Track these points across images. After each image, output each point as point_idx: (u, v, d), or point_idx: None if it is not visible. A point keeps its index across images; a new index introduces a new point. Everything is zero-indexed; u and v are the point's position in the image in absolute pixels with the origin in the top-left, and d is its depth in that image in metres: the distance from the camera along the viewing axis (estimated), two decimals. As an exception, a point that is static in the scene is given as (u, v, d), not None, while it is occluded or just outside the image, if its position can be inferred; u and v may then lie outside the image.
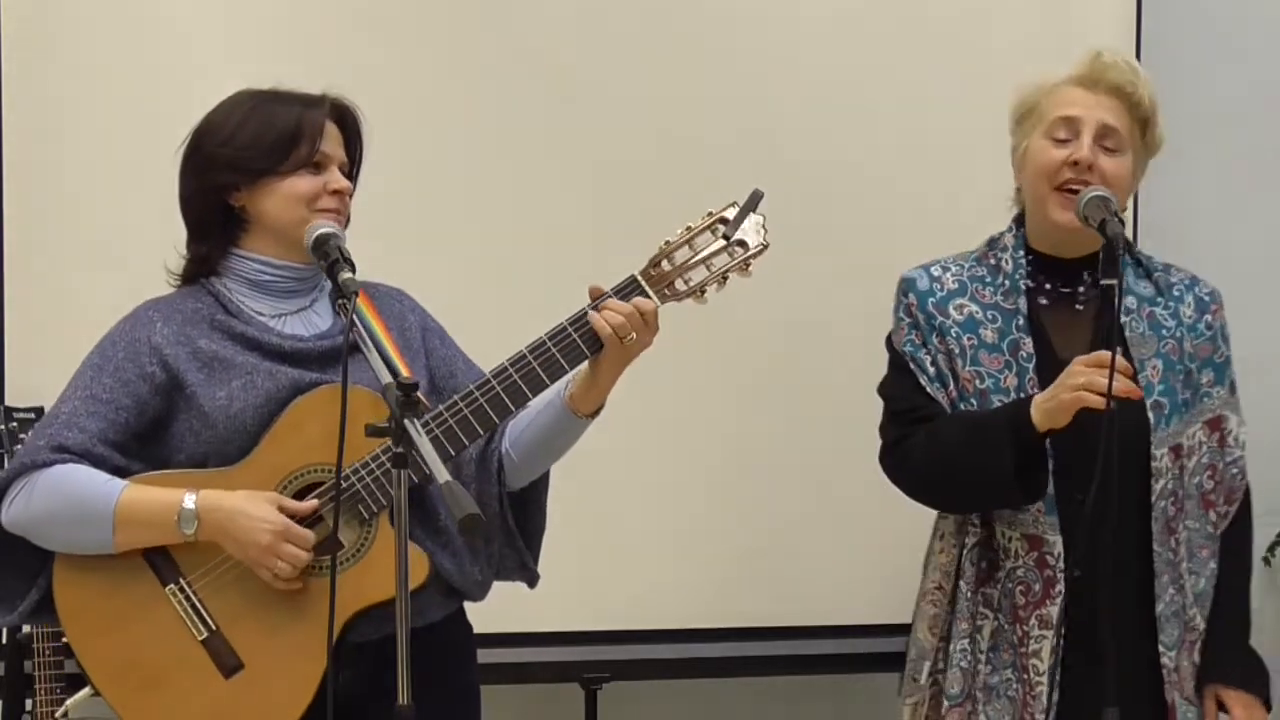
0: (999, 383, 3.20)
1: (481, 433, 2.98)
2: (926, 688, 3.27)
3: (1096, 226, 3.05)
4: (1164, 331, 3.22)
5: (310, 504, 2.93)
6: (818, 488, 4.37)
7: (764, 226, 3.02)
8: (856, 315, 4.40)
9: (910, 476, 3.32)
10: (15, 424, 3.90)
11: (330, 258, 2.93)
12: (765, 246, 3.03)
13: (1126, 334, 3.20)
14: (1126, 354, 3.17)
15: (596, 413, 3.07)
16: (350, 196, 3.10)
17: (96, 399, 2.96)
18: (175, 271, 3.12)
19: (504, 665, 4.20)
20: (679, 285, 3.01)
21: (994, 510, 3.22)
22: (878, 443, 4.42)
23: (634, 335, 2.97)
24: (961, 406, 3.24)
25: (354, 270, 2.91)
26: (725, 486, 4.34)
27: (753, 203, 3.02)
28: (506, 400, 2.98)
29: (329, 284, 3.09)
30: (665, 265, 3.01)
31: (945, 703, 3.23)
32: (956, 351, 3.23)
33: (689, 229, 3.03)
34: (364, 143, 3.13)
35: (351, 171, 3.12)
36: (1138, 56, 4.34)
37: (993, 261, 3.28)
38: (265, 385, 2.96)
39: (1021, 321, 3.21)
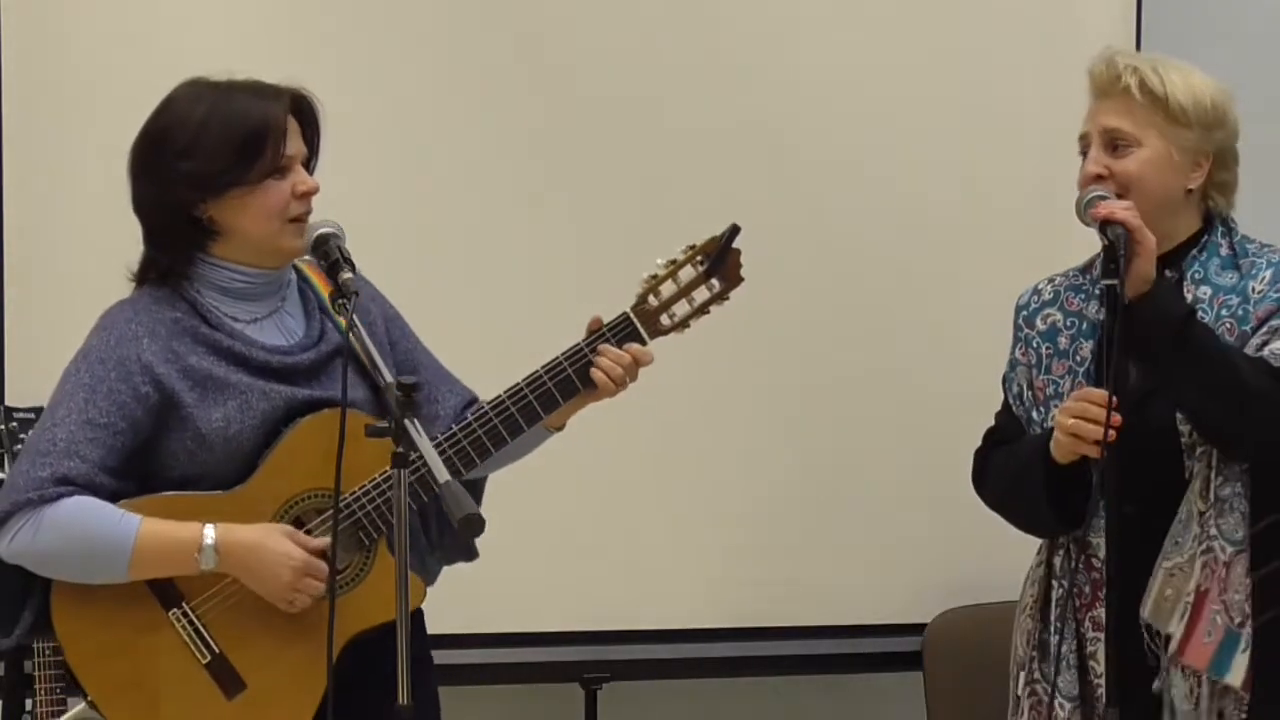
0: (1059, 388, 3.21)
1: (478, 461, 3.02)
2: (1025, 698, 3.27)
3: (1097, 227, 3.05)
4: (1225, 312, 3.16)
5: (321, 542, 2.93)
6: (819, 488, 4.37)
7: (741, 261, 3.09)
8: (858, 317, 4.40)
9: (986, 498, 3.38)
10: (15, 424, 3.90)
11: (330, 258, 2.91)
12: (741, 280, 3.10)
13: None
14: None
15: (562, 427, 3.15)
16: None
17: (93, 424, 2.91)
18: (134, 270, 3.06)
19: (504, 665, 4.20)
20: (664, 321, 3.09)
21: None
22: (882, 444, 4.44)
23: (629, 381, 3.07)
24: (1034, 415, 3.24)
25: (354, 270, 2.90)
26: (726, 487, 4.34)
27: (730, 236, 3.08)
28: (503, 431, 3.02)
29: (293, 278, 3.09)
30: (652, 300, 3.08)
31: (1066, 704, 3.20)
32: (1034, 361, 3.26)
33: (672, 263, 3.08)
34: (320, 132, 3.05)
35: (310, 163, 3.04)
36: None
37: (1094, 270, 3.27)
38: (260, 406, 2.93)
39: (1086, 326, 3.21)
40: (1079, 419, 3.05)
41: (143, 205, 3.00)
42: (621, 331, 3.06)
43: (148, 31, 4.08)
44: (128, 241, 4.03)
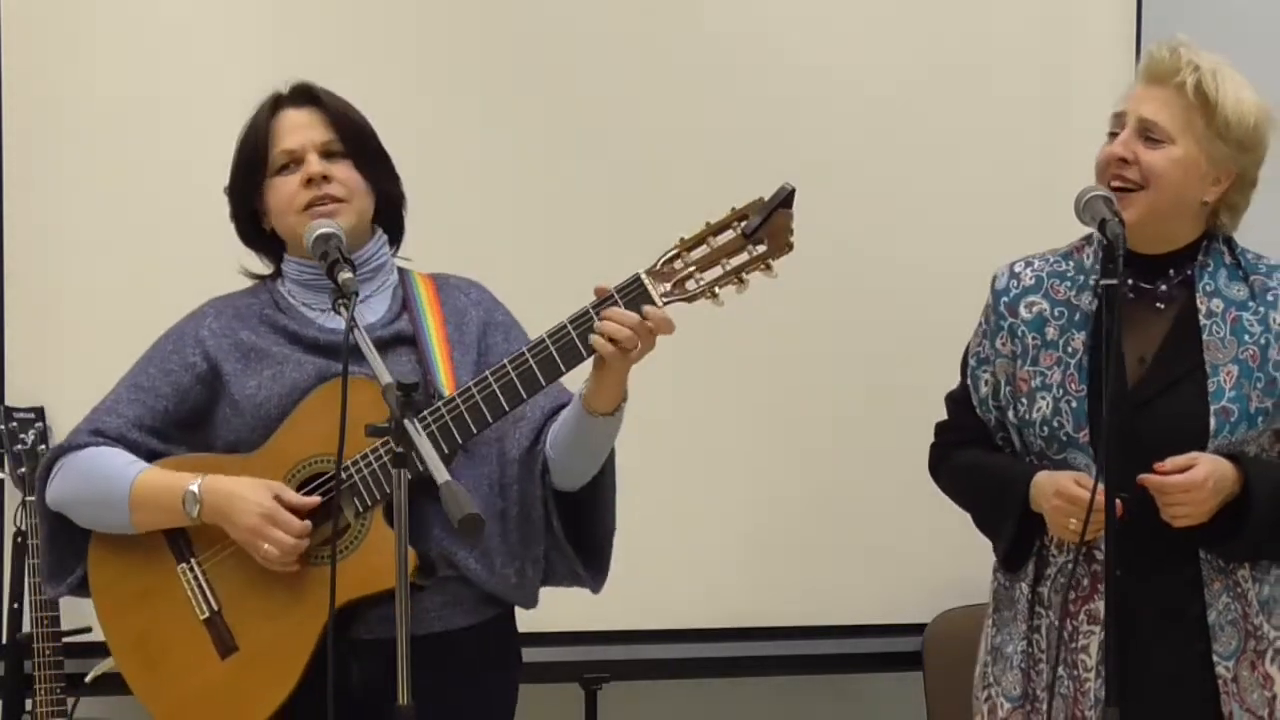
0: (1046, 379, 3.18)
1: (475, 430, 2.92)
2: (982, 702, 3.27)
3: (1096, 226, 3.03)
4: (1247, 337, 3.15)
5: (312, 500, 2.94)
6: (819, 488, 4.37)
7: (791, 226, 2.83)
8: (859, 318, 4.40)
9: (942, 489, 3.40)
10: (15, 424, 3.91)
11: (330, 258, 2.91)
12: (790, 247, 2.84)
13: (1204, 338, 3.15)
14: (1199, 360, 3.14)
15: (615, 412, 2.94)
16: (371, 162, 3.08)
17: (139, 387, 3.05)
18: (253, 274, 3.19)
19: (504, 665, 4.20)
20: (690, 285, 2.86)
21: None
22: (881, 445, 4.42)
23: (638, 346, 2.85)
24: (1010, 415, 3.22)
25: (354, 270, 2.90)
26: (726, 487, 4.34)
27: (780, 198, 2.83)
28: (501, 398, 2.92)
29: (391, 278, 3.12)
30: (678, 263, 2.86)
31: (1005, 704, 3.21)
32: (1019, 351, 3.21)
33: (708, 225, 2.86)
34: (349, 109, 3.10)
35: (352, 145, 3.07)
36: (1137, 53, 4.35)
37: (1080, 256, 3.25)
38: (292, 375, 3.00)
39: (1079, 317, 3.19)
40: (1069, 518, 3.07)
41: None
42: (631, 293, 2.87)
43: (148, 34, 4.09)
44: (127, 243, 4.06)
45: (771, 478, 4.36)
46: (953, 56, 4.44)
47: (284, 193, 3.04)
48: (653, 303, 2.86)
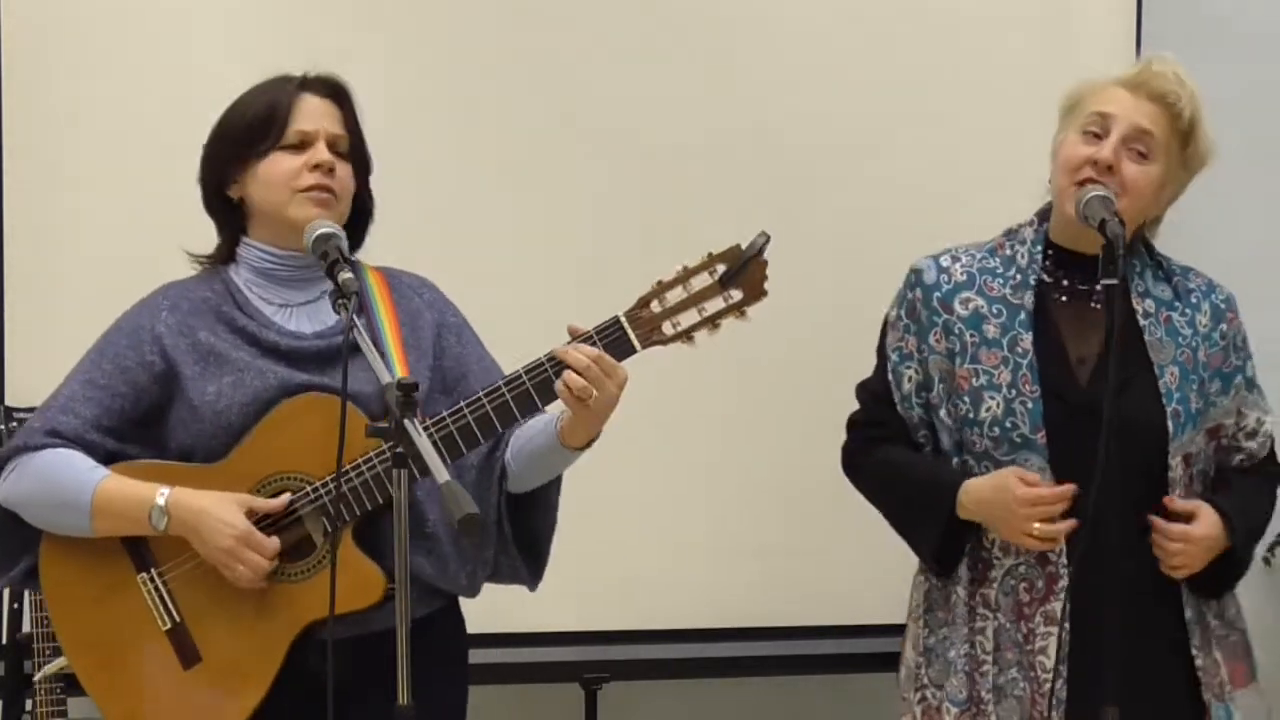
0: (993, 379, 3.18)
1: (449, 461, 2.92)
2: (915, 703, 3.28)
3: (1096, 226, 3.05)
4: (1180, 339, 3.21)
5: (280, 501, 2.94)
6: (818, 488, 4.35)
7: (766, 274, 2.88)
8: (860, 318, 4.39)
9: (859, 488, 3.42)
10: (15, 424, 3.91)
11: (330, 258, 2.91)
12: (764, 294, 2.89)
13: (1146, 338, 3.20)
14: (1144, 357, 3.17)
15: (587, 446, 2.99)
16: (361, 171, 3.09)
17: (94, 384, 3.01)
18: (198, 256, 3.14)
19: (504, 665, 4.20)
20: (666, 329, 2.90)
21: None
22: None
23: (596, 395, 2.87)
24: (943, 413, 3.22)
25: (354, 270, 2.90)
26: (726, 487, 4.34)
27: (755, 247, 2.87)
28: (476, 429, 2.93)
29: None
30: (655, 306, 2.90)
31: (952, 709, 3.21)
32: (957, 349, 3.21)
33: (684, 269, 2.90)
34: (359, 116, 3.11)
35: (355, 150, 3.09)
36: (1137, 55, 4.35)
37: (1007, 253, 3.26)
38: (253, 384, 2.97)
39: (1023, 316, 3.20)
40: (1040, 526, 3.11)
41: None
42: (610, 336, 2.91)
43: (148, 32, 4.09)
44: (127, 241, 4.06)
45: (771, 478, 4.36)
46: (950, 57, 4.44)
47: (284, 168, 3.01)
48: (630, 345, 2.91)
